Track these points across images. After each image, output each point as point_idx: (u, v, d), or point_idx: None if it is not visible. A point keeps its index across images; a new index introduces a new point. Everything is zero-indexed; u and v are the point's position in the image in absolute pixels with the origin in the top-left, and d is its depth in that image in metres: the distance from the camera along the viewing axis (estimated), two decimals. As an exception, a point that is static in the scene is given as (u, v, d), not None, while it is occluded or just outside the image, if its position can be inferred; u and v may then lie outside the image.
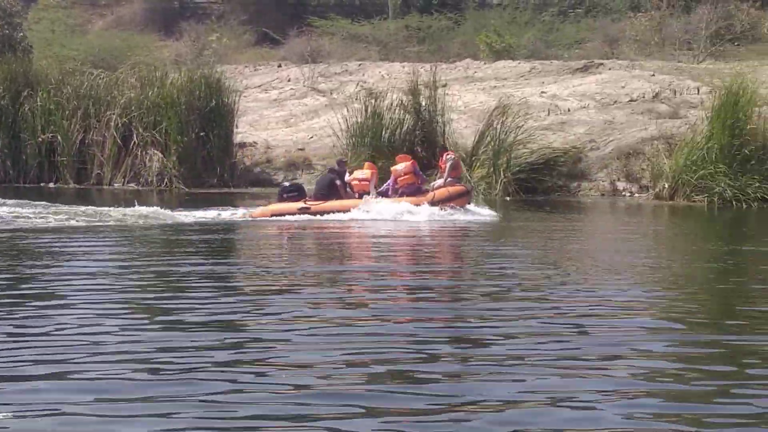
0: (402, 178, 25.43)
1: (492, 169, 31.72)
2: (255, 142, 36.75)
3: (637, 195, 32.48)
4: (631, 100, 37.12)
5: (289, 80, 44.71)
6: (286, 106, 41.28)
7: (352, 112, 33.19)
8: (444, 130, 32.88)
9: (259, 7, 59.59)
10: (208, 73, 35.45)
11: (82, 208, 24.05)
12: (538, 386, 6.58)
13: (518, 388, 6.55)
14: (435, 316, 9.68)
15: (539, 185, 32.63)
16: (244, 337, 8.44)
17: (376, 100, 33.10)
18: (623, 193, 32.81)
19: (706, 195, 29.96)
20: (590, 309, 9.58)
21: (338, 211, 24.60)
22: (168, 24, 58.12)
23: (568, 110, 36.82)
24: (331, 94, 41.44)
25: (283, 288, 11.54)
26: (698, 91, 36.76)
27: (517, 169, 31.89)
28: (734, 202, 29.18)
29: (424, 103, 33.29)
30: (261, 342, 8.19)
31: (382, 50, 53.66)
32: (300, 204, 25.14)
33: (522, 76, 42.21)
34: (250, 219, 24.44)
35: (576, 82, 40.11)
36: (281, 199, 25.83)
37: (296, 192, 26.12)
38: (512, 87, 39.85)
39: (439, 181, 25.99)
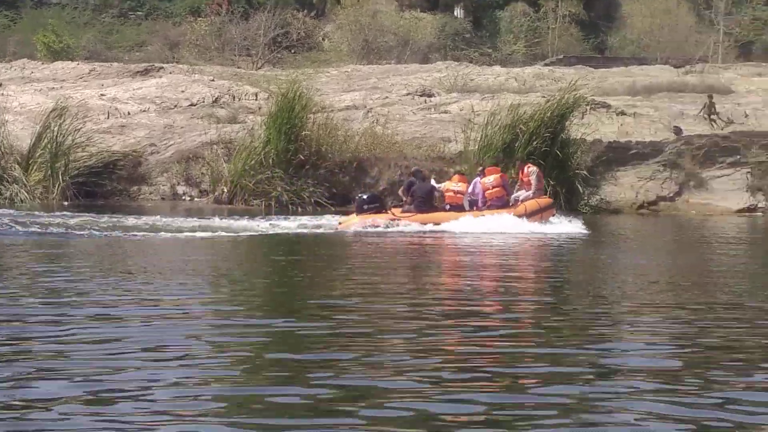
0: (490, 191, 25.03)
1: (49, 172, 30.82)
2: None
3: (197, 199, 32.65)
4: (191, 105, 37.48)
5: None
6: None
7: None
8: (-1, 132, 31.61)
9: None
10: None
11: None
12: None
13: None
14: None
15: (99, 189, 32.09)
16: None
17: None
18: (183, 197, 32.94)
19: (264, 199, 30.62)
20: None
21: (433, 223, 23.95)
22: None
23: (128, 113, 36.51)
24: None
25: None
26: (256, 96, 37.89)
27: (76, 173, 31.17)
28: (290, 206, 30.03)
29: (-23, 104, 31.87)
30: None
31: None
32: (389, 215, 24.53)
33: (81, 78, 41.55)
34: (340, 230, 23.79)
35: (136, 85, 39.90)
36: (361, 211, 24.80)
37: (377, 203, 25.45)
38: (71, 89, 39.06)
39: (525, 193, 25.69)
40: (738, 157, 35.31)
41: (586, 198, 33.58)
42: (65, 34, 51.99)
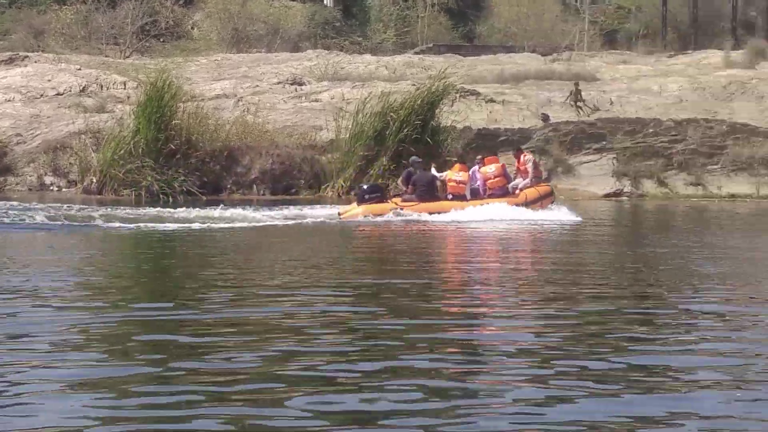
0: (492, 180, 25.49)
1: None
2: None
3: (65, 189, 32.27)
4: (57, 94, 37.22)
5: None
6: None
7: None
8: None
9: None
10: None
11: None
12: None
13: None
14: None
15: (-37, 180, 31.65)
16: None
17: None
18: (51, 187, 32.64)
19: (134, 189, 30.59)
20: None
21: (437, 212, 24.21)
22: None
23: (-7, 103, 35.91)
24: None
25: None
26: (125, 85, 37.86)
27: (-60, 164, 30.65)
28: (161, 196, 29.96)
29: None
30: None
31: None
32: (391, 205, 24.89)
33: (-57, 68, 40.65)
34: (342, 219, 24.24)
35: (0, 74, 39.11)
36: (362, 201, 25.15)
37: (378, 193, 25.76)
38: (-68, 78, 38.33)
39: (524, 181, 26.13)
40: (604, 143, 36.61)
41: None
42: (-75, 23, 50.66)
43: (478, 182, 25.67)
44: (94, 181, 31.49)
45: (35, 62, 41.07)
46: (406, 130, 32.71)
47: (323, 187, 33.46)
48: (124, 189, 30.79)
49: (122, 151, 31.23)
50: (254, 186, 33.39)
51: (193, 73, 39.90)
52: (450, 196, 25.26)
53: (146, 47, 50.68)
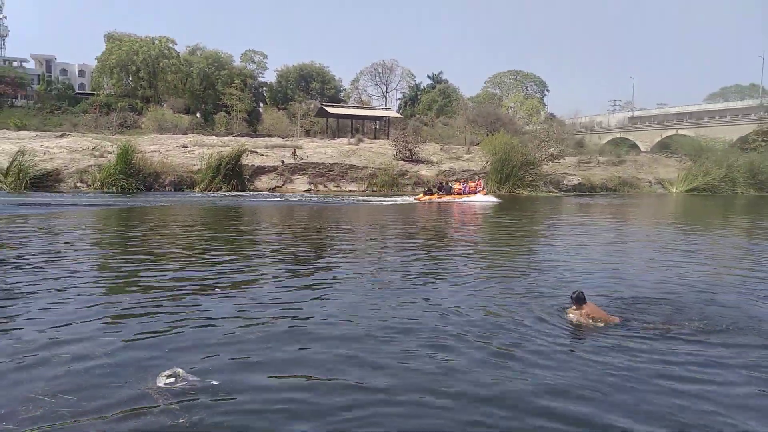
0: (471, 187, 29.31)
1: None
2: None
3: (84, 189, 30.45)
4: (83, 149, 35.01)
5: None
6: None
7: None
8: None
9: None
10: None
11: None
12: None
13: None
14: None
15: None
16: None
17: None
18: (79, 187, 30.95)
19: (114, 187, 29.87)
20: None
21: (453, 199, 27.44)
22: None
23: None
24: None
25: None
26: (112, 146, 35.33)
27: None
28: (117, 189, 29.63)
29: None
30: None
31: None
32: (436, 196, 27.91)
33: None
34: (417, 201, 26.95)
35: (56, 141, 36.87)
36: (426, 194, 28.14)
37: (431, 192, 28.75)
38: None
39: (482, 188, 29.60)
40: (304, 171, 36.91)
41: (248, 186, 34.48)
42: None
43: (466, 189, 29.63)
44: (99, 184, 31.09)
45: (71, 137, 39.97)
46: (228, 165, 33.25)
47: (196, 188, 32.71)
48: (110, 187, 30.44)
49: (110, 172, 31.25)
50: (166, 187, 32.13)
51: (142, 141, 38.71)
52: (456, 194, 29.29)
53: (121, 131, 48.57)
